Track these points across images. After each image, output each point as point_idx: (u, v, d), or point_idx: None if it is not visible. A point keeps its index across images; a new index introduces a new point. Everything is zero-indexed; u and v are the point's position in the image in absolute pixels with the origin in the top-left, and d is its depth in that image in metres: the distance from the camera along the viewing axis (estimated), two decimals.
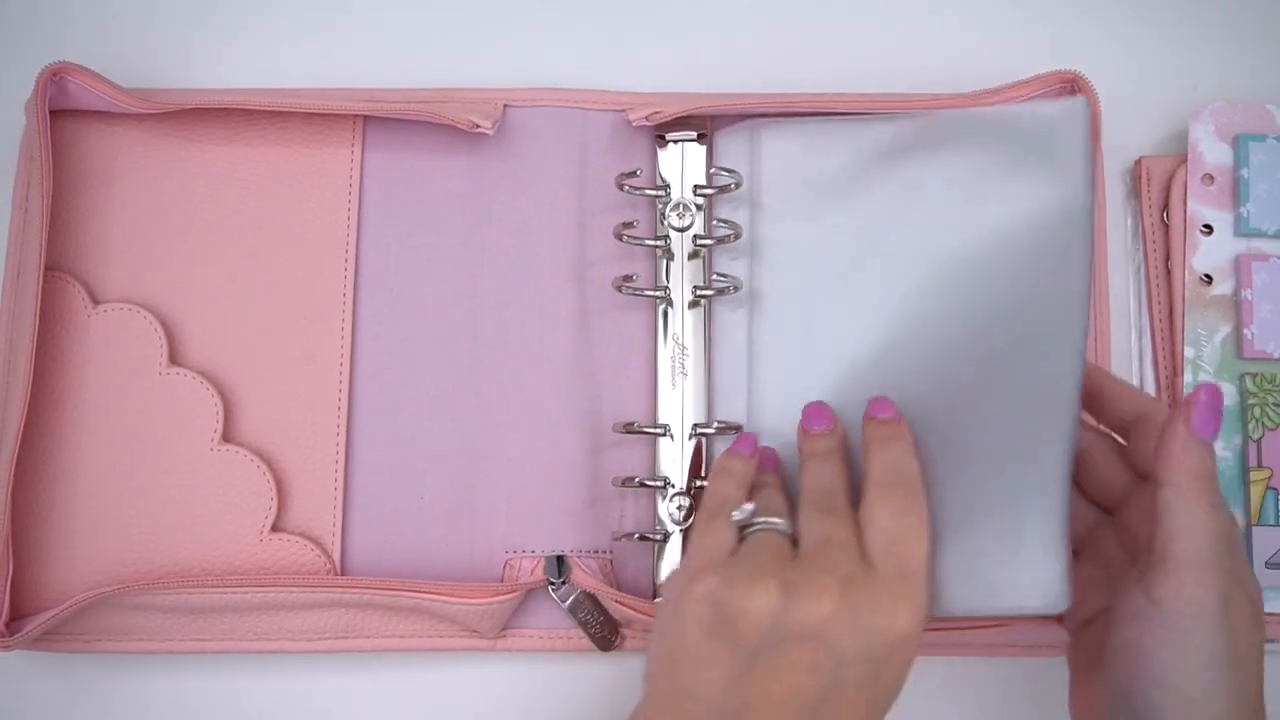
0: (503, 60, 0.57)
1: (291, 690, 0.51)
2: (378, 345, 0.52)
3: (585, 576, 0.50)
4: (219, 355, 0.52)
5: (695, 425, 0.51)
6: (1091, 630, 0.42)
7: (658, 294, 0.52)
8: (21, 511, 0.49)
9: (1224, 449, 0.52)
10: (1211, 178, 0.54)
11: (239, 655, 0.50)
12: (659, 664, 0.40)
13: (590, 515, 0.51)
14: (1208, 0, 0.58)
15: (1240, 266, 0.53)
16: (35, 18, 0.57)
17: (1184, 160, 0.54)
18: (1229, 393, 0.53)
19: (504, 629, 0.51)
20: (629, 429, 0.51)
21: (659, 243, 0.52)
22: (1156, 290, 0.54)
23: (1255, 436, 0.52)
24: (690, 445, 0.51)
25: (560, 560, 0.50)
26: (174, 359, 0.51)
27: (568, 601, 0.50)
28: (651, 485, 0.51)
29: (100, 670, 0.51)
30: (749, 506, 0.42)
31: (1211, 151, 0.54)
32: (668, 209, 0.53)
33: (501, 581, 0.51)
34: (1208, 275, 0.54)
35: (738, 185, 0.51)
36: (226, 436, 0.51)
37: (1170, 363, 0.54)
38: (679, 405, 0.52)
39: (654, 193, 0.53)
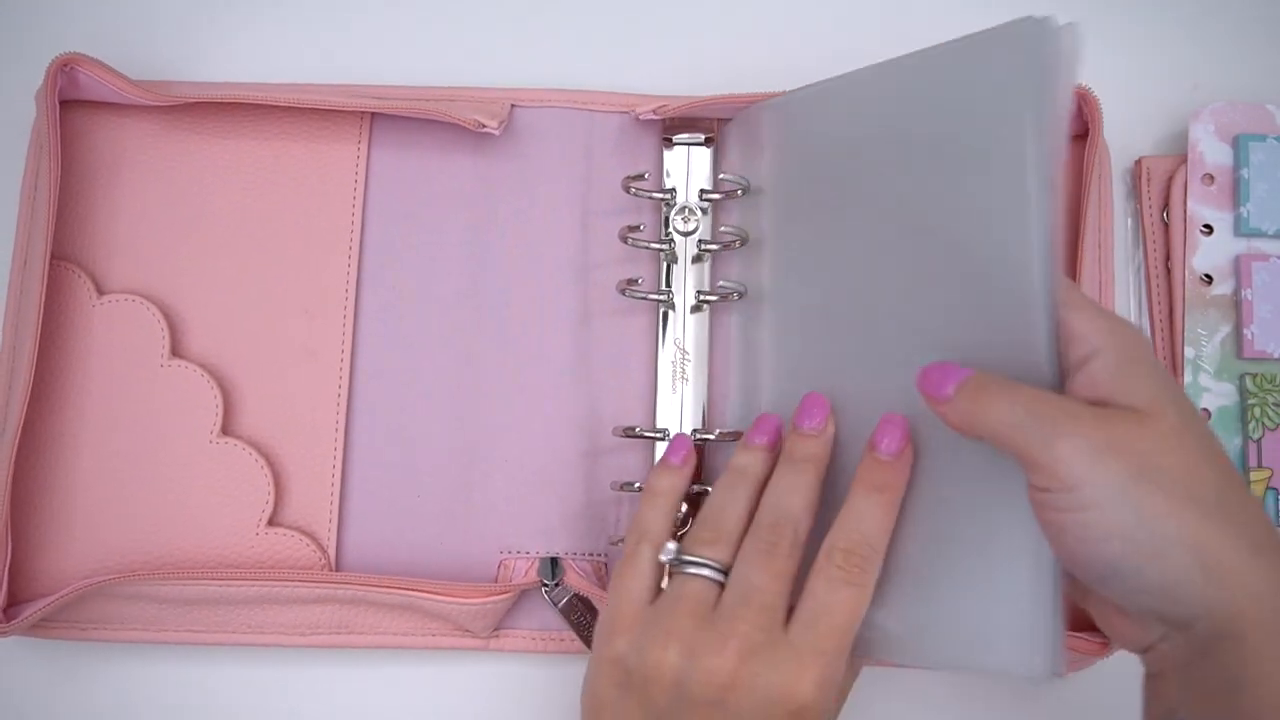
0: (510, 60, 0.57)
1: (283, 684, 0.51)
2: (379, 342, 0.53)
3: (579, 579, 0.50)
4: (221, 348, 0.52)
5: (695, 431, 0.51)
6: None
7: (661, 297, 0.52)
8: (21, 498, 0.50)
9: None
10: (1211, 178, 0.54)
11: (232, 647, 0.51)
12: (585, 714, 0.42)
13: (586, 518, 0.51)
14: (1208, 0, 0.58)
15: (1240, 266, 0.53)
16: (47, 9, 0.57)
17: (1184, 160, 0.54)
18: (1229, 393, 0.52)
19: (496, 629, 0.51)
20: (629, 433, 0.51)
21: (664, 246, 0.52)
22: (1156, 290, 0.54)
23: (1255, 436, 0.52)
24: None
25: (555, 562, 0.50)
26: (176, 351, 0.52)
27: (561, 603, 0.50)
28: None
29: (94, 658, 0.51)
30: (672, 547, 0.42)
31: (1211, 151, 0.54)
32: (673, 213, 0.52)
33: (495, 581, 0.51)
34: (1208, 275, 0.53)
35: (744, 191, 0.51)
36: (226, 429, 0.51)
37: (1170, 363, 0.53)
38: (679, 410, 0.52)
39: (660, 196, 0.52)
